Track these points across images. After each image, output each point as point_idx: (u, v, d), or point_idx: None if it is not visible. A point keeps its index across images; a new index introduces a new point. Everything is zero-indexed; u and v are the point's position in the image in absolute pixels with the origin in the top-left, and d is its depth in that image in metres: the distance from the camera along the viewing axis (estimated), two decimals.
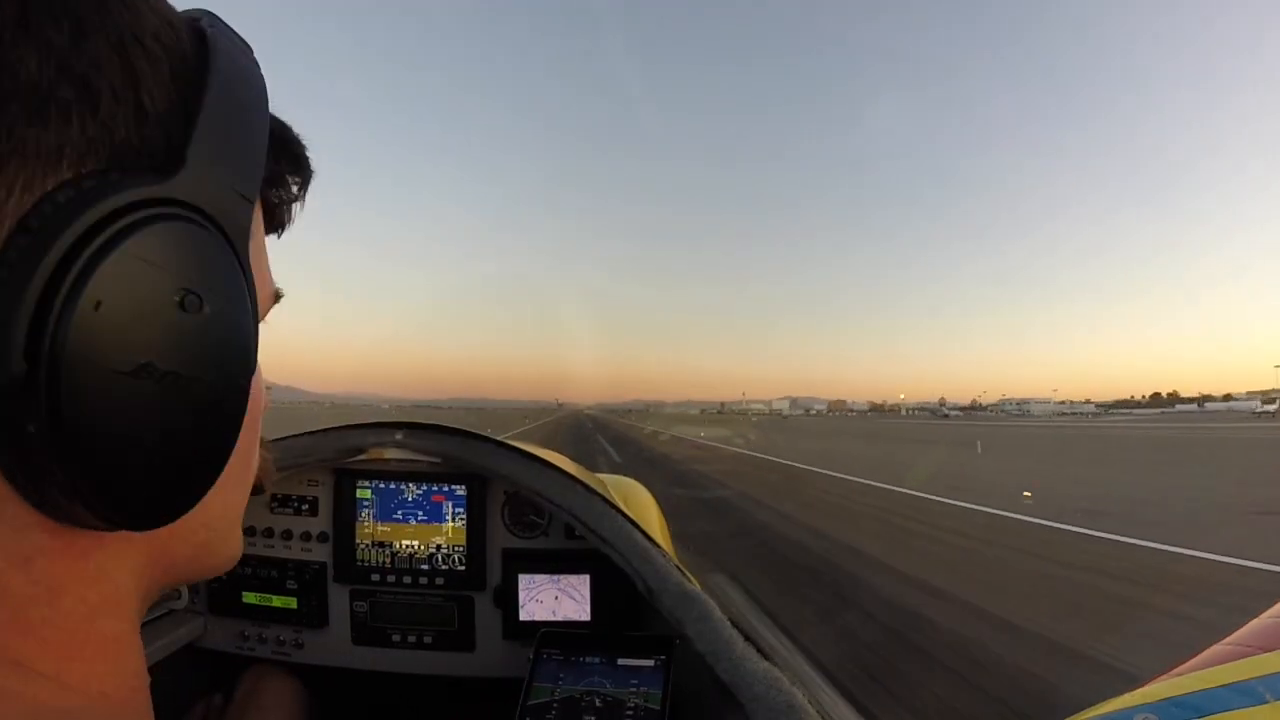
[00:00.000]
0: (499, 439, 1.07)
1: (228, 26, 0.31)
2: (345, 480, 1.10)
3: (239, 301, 0.29)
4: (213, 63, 0.28)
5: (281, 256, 0.39)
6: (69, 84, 0.24)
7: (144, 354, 0.25)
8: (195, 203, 0.27)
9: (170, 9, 0.29)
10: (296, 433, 1.09)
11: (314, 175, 0.40)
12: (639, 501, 1.83)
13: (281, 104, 0.34)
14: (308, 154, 0.39)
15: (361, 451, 1.08)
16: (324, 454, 1.07)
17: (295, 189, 0.38)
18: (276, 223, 0.39)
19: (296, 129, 0.38)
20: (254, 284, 0.31)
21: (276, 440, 1.07)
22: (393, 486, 1.10)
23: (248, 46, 0.32)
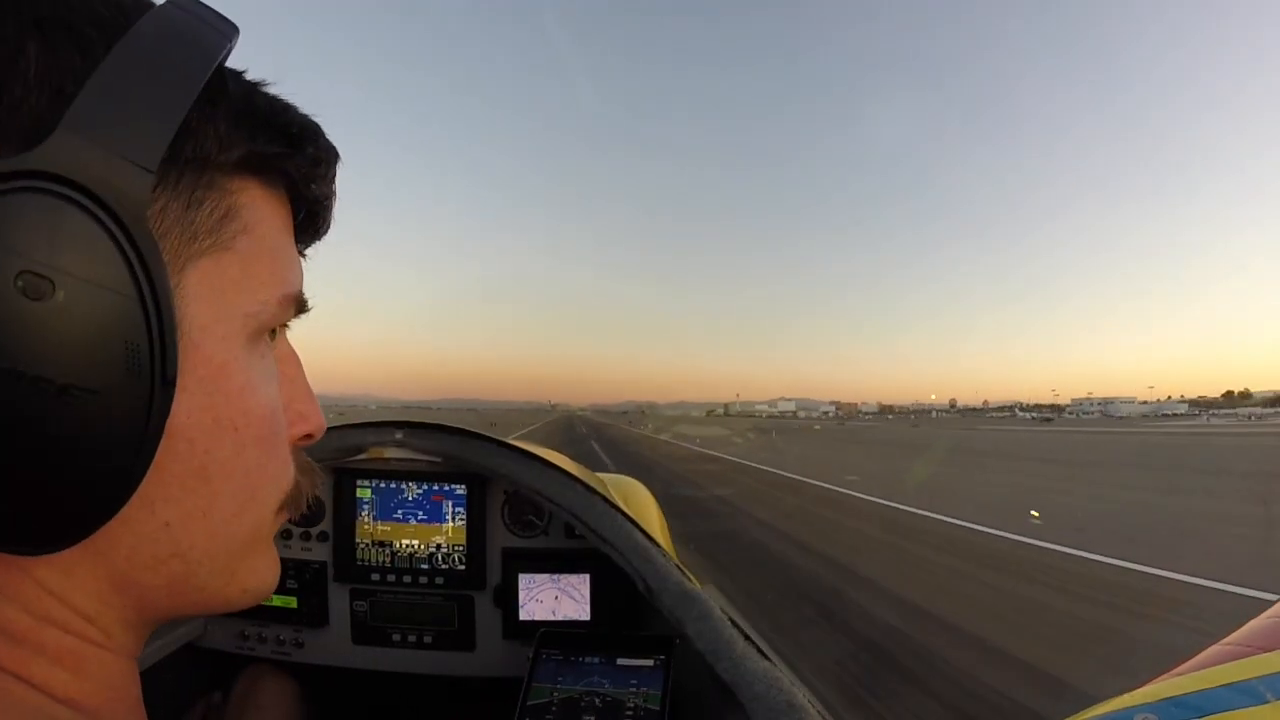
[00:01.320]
0: (499, 438, 1.07)
1: (199, 3, 0.28)
2: (345, 480, 1.10)
3: (117, 287, 0.24)
4: (133, 25, 0.25)
5: None
6: None
7: None
8: (59, 172, 0.23)
9: None
10: None
11: (335, 158, 0.35)
12: (639, 501, 1.83)
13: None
14: (312, 129, 0.34)
15: (361, 451, 1.08)
16: (323, 453, 1.06)
17: (304, 170, 0.34)
18: (304, 219, 0.36)
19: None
20: (159, 266, 0.25)
21: None
22: (393, 486, 1.10)
23: (223, 19, 0.29)
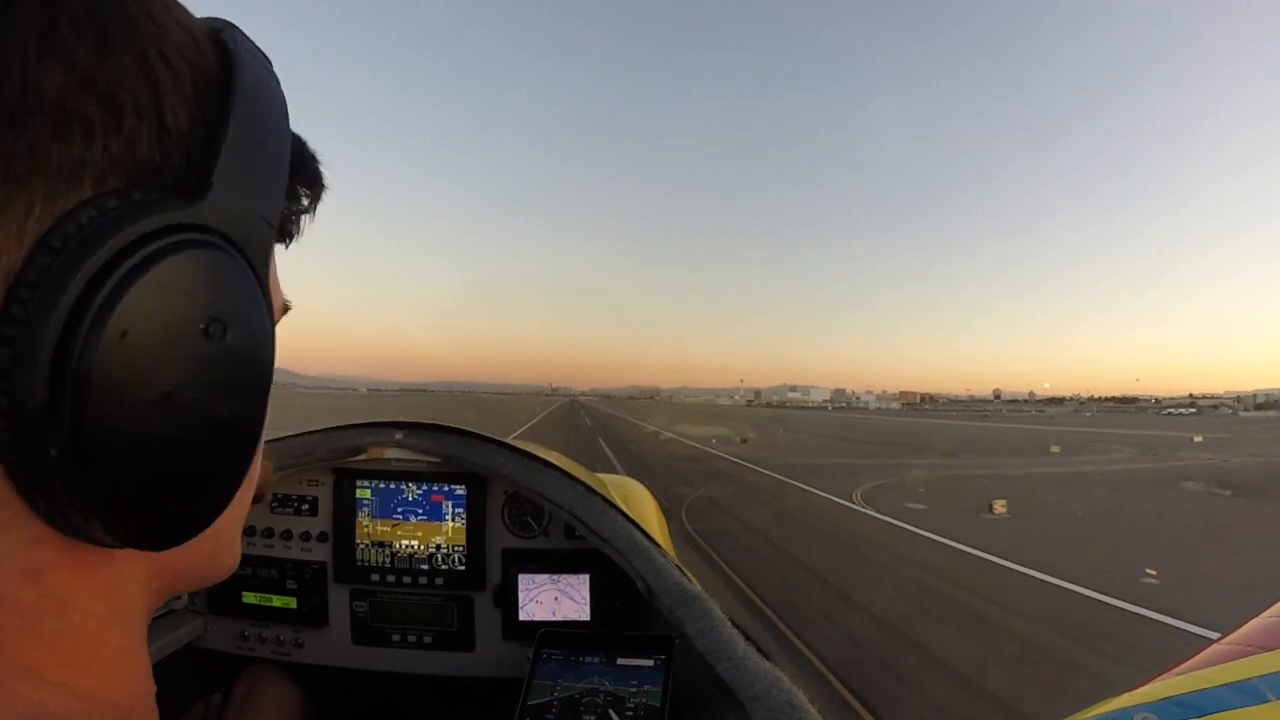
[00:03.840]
0: (499, 438, 1.07)
1: (248, 39, 0.30)
2: (345, 480, 1.10)
3: (260, 326, 0.29)
4: (237, 79, 0.28)
5: None
6: (93, 100, 0.23)
7: (168, 383, 0.25)
8: (221, 228, 0.26)
9: (194, 21, 0.28)
10: (296, 432, 1.09)
11: (324, 186, 0.39)
12: (639, 501, 1.83)
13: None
14: (322, 170, 0.38)
15: (361, 451, 1.08)
16: (324, 454, 1.07)
17: (307, 202, 0.38)
18: (286, 234, 0.39)
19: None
20: (272, 307, 0.30)
21: (276, 440, 1.07)
22: (392, 486, 1.10)
23: (268, 60, 0.31)
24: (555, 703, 0.80)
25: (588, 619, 1.03)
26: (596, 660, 0.85)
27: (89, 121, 0.23)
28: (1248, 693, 0.54)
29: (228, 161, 0.27)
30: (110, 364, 0.23)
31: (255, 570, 1.08)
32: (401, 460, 1.09)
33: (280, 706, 0.96)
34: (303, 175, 0.36)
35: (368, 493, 1.10)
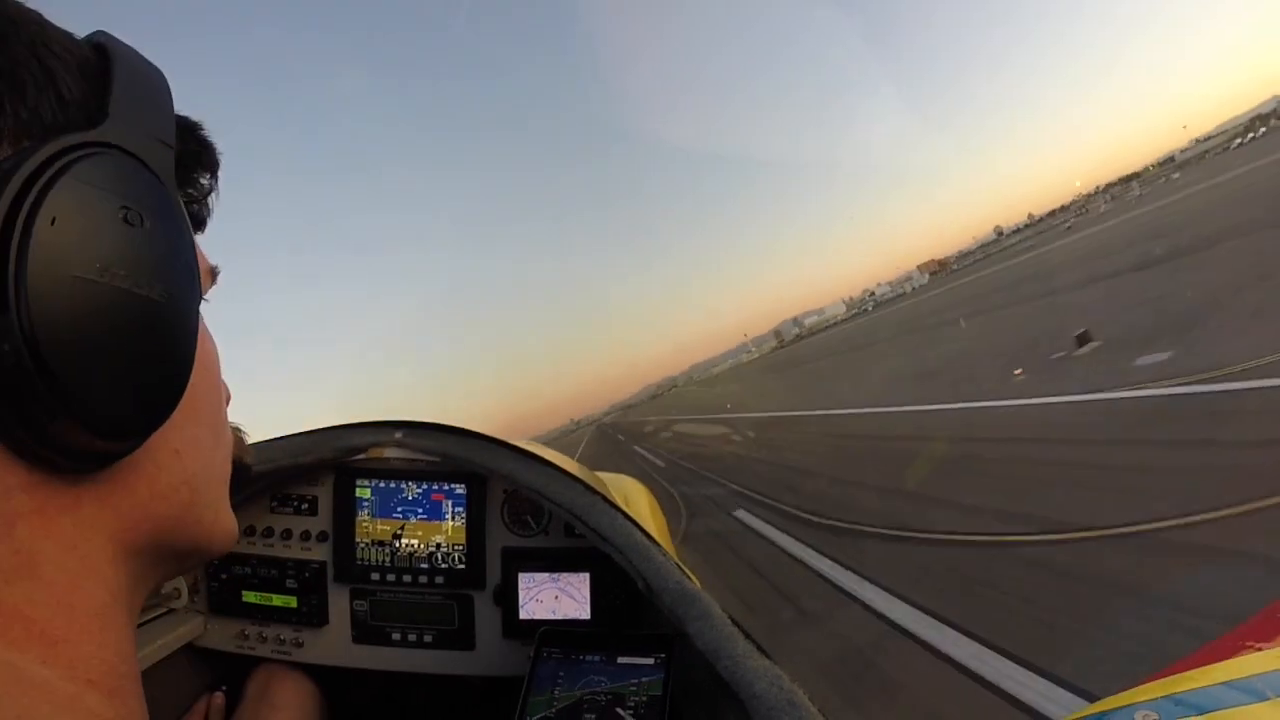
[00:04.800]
0: (498, 437, 1.07)
1: (123, 42, 0.36)
2: (345, 479, 1.11)
3: (177, 223, 0.33)
4: (116, 58, 0.33)
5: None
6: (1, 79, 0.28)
7: (99, 260, 0.28)
8: (120, 143, 0.31)
9: (67, 32, 0.34)
10: (296, 432, 1.10)
11: (220, 164, 0.43)
12: (639, 500, 1.84)
13: None
14: (212, 143, 0.42)
15: (361, 451, 1.08)
16: (323, 453, 1.07)
17: (207, 184, 0.42)
18: (197, 220, 0.42)
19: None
20: (188, 223, 0.35)
21: (276, 440, 1.07)
22: (392, 485, 1.10)
23: (142, 55, 0.38)
24: (555, 702, 0.81)
25: (588, 617, 1.04)
26: (597, 659, 0.85)
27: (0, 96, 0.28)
28: (1248, 690, 0.55)
29: (119, 97, 0.32)
30: (44, 249, 0.26)
31: (255, 569, 1.09)
32: (401, 459, 1.09)
33: (293, 706, 0.96)
34: (201, 158, 0.40)
35: (368, 492, 1.10)
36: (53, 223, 0.26)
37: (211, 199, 0.42)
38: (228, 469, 0.40)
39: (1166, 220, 22.02)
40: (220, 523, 0.38)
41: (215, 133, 0.41)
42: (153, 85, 0.35)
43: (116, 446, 0.30)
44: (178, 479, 0.35)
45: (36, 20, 0.31)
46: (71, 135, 0.29)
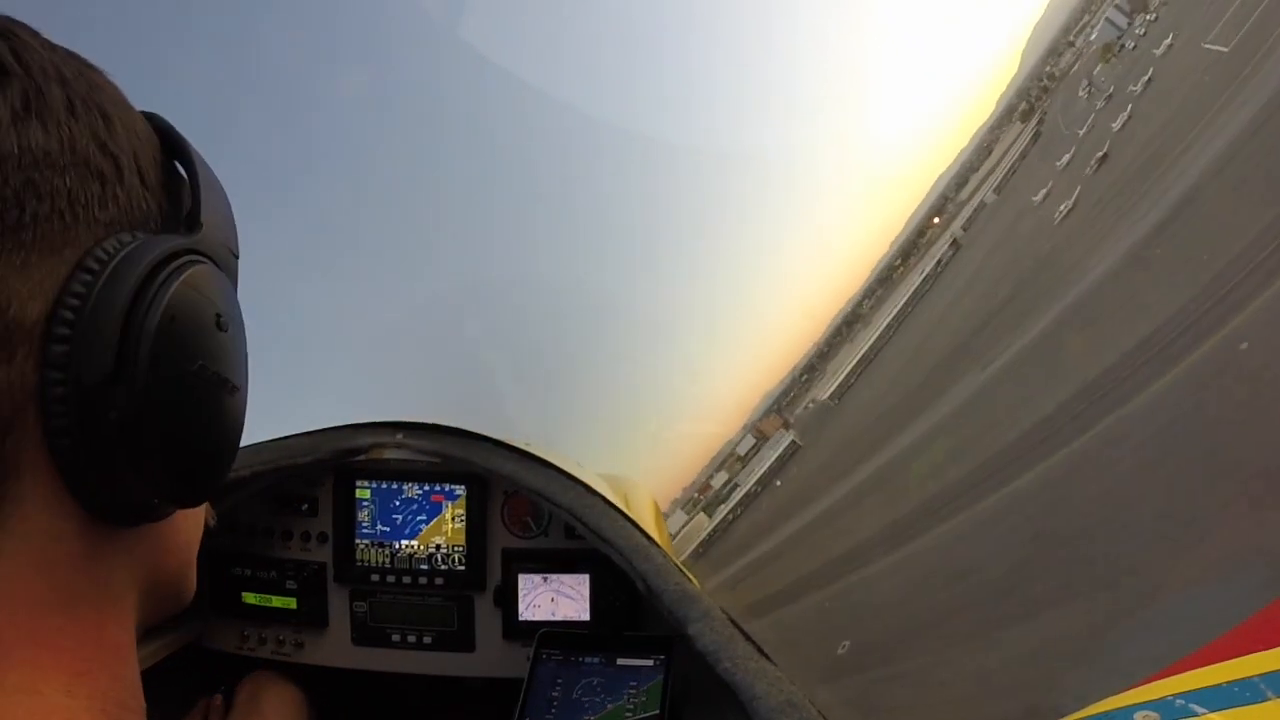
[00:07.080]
0: (498, 438, 1.07)
1: (178, 131, 0.40)
2: (345, 480, 1.10)
3: (240, 328, 0.39)
4: (180, 147, 0.38)
5: None
6: (107, 159, 0.32)
7: (200, 358, 0.34)
8: (210, 253, 0.36)
9: (140, 114, 0.37)
10: (296, 432, 1.09)
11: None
12: (638, 501, 1.84)
13: None
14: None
15: (361, 451, 1.08)
16: (323, 454, 1.07)
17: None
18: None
19: None
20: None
21: (277, 440, 1.07)
22: (392, 486, 1.10)
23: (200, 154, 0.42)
24: (555, 702, 0.81)
25: (588, 619, 1.03)
26: (596, 660, 0.85)
27: (101, 174, 0.31)
28: (1248, 690, 0.55)
29: (208, 210, 0.37)
30: (163, 340, 0.31)
31: (255, 571, 1.08)
32: (401, 460, 1.09)
33: (281, 713, 0.96)
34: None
35: (367, 493, 1.10)
36: (172, 320, 0.31)
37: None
38: (202, 530, 0.44)
39: None
40: (192, 580, 0.43)
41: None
42: (223, 199, 0.40)
43: (171, 509, 0.35)
44: (184, 538, 0.40)
45: (123, 99, 0.35)
46: (175, 239, 0.34)
